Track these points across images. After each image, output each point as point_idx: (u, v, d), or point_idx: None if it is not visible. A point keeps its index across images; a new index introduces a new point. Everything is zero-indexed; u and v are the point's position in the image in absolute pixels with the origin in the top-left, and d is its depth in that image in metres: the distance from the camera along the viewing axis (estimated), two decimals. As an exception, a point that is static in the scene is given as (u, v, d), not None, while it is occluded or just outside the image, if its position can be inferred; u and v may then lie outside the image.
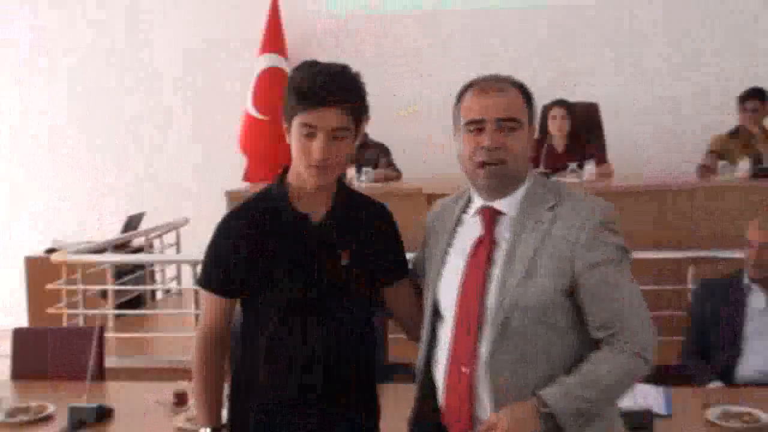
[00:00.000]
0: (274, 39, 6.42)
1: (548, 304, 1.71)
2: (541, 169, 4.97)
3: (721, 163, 5.14)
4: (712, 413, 2.51)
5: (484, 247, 1.79)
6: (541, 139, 5.12)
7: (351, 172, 5.14)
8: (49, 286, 4.68)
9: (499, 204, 1.81)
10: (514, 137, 1.77)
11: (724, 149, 5.30)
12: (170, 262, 6.03)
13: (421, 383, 1.88)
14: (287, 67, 6.16)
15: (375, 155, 5.59)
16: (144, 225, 6.07)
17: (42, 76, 7.04)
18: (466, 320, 1.77)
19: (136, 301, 5.52)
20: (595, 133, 5.57)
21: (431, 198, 4.92)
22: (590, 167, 5.01)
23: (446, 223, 1.91)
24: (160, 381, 3.19)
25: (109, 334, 4.46)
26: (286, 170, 1.94)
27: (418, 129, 6.26)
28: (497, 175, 1.78)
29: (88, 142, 7.00)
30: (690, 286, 4.01)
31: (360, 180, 5.20)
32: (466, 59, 6.24)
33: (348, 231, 1.91)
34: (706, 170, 5.13)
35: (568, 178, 4.81)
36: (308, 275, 1.87)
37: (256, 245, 1.88)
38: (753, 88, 5.34)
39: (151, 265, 5.85)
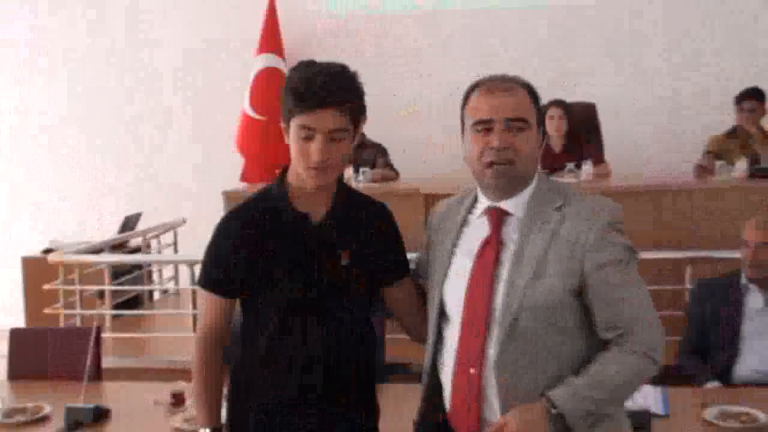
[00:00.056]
0: (271, 39, 6.42)
1: (557, 304, 1.70)
2: (539, 168, 4.97)
3: (718, 163, 5.14)
4: (710, 413, 2.51)
5: (492, 247, 1.78)
6: (538, 139, 5.12)
7: (348, 172, 5.14)
8: (47, 287, 4.67)
9: (506, 204, 1.80)
10: (523, 137, 1.77)
11: (721, 149, 5.30)
12: (167, 262, 6.02)
13: (428, 384, 1.87)
14: (284, 68, 6.16)
15: (372, 155, 5.59)
16: (141, 225, 6.07)
17: (40, 76, 7.04)
18: (474, 321, 1.76)
19: (134, 302, 5.51)
20: (593, 133, 5.57)
21: (429, 198, 4.94)
22: (588, 167, 5.01)
23: (451, 223, 1.90)
24: (157, 381, 3.18)
25: (107, 335, 4.45)
26: (285, 170, 1.93)
27: (417, 129, 6.27)
28: (505, 176, 1.77)
29: (85, 142, 7.00)
30: (688, 286, 4.01)
31: (358, 180, 5.20)
32: (466, 59, 6.25)
33: (348, 230, 1.90)
34: (703, 170, 5.14)
35: (565, 179, 4.81)
36: (308, 275, 1.86)
37: (256, 245, 1.87)
38: (750, 88, 5.34)
39: (149, 265, 5.84)
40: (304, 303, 1.87)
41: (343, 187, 1.95)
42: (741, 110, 5.31)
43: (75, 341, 3.15)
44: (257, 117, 6.23)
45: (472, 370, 1.74)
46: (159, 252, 6.11)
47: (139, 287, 5.52)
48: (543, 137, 1.88)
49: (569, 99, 5.40)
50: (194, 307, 4.44)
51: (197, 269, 4.49)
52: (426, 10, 6.45)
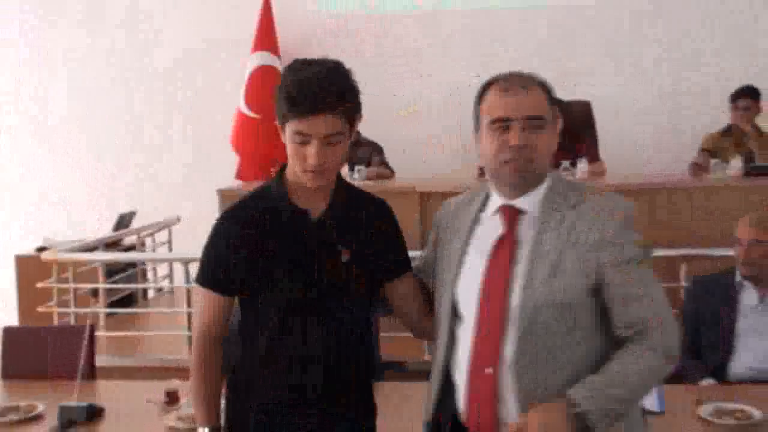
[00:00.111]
0: (266, 37, 6.41)
1: (573, 303, 1.70)
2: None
3: (713, 161, 5.16)
4: (705, 410, 2.51)
5: (507, 245, 1.77)
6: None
7: (344, 170, 5.13)
8: (40, 285, 4.65)
9: (520, 202, 1.80)
10: (540, 136, 1.76)
11: (716, 147, 5.32)
12: (162, 260, 6.00)
13: (441, 385, 1.85)
14: (280, 66, 6.15)
15: (368, 154, 5.58)
16: (136, 223, 6.05)
17: (36, 75, 7.02)
18: (489, 320, 1.74)
19: (128, 300, 5.50)
20: (588, 132, 5.57)
21: (424, 196, 4.94)
22: (583, 165, 5.01)
23: (461, 222, 1.88)
24: (151, 380, 3.17)
25: (101, 333, 4.44)
26: (284, 167, 1.92)
27: (417, 129, 6.28)
28: (523, 174, 1.76)
29: (79, 140, 6.98)
30: (683, 283, 4.01)
31: (353, 178, 5.19)
32: (466, 59, 6.27)
33: (348, 226, 1.89)
34: (698, 168, 5.15)
35: (560, 176, 4.81)
36: (308, 275, 1.85)
37: (255, 242, 1.86)
38: (745, 86, 5.36)
39: (143, 263, 5.83)
40: (304, 303, 1.86)
41: (342, 183, 1.94)
42: (736, 108, 5.33)
43: (68, 340, 3.13)
44: (252, 115, 6.22)
45: (487, 370, 1.72)
46: (153, 250, 6.09)
47: (133, 285, 5.50)
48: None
49: (569, 99, 5.40)
50: (189, 305, 4.43)
51: (192, 267, 4.54)
52: (426, 10, 6.45)
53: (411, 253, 2.03)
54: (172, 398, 2.78)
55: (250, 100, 6.27)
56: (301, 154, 1.78)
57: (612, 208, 1.75)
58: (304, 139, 1.76)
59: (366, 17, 6.50)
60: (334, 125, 1.76)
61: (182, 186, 6.70)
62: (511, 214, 1.80)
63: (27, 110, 7.05)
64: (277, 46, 6.42)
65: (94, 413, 2.66)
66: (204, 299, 1.94)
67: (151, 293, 6.04)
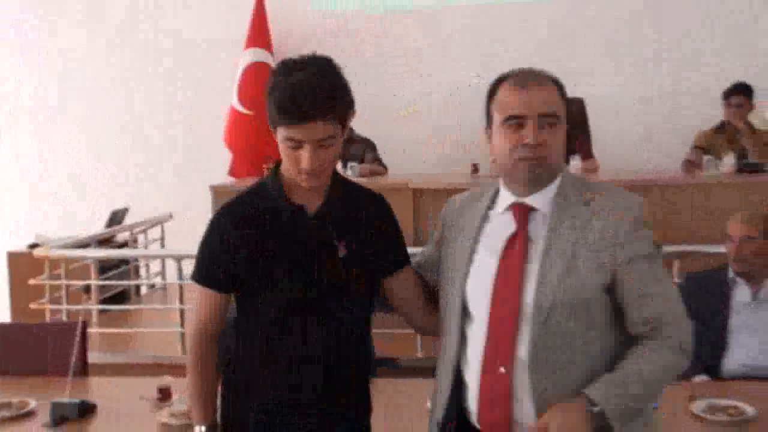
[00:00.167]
0: (259, 33, 6.41)
1: (588, 300, 1.69)
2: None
3: (706, 158, 5.17)
4: (698, 406, 2.51)
5: (519, 243, 1.75)
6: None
7: (337, 167, 5.12)
8: (32, 282, 4.64)
9: (531, 200, 1.78)
10: (554, 133, 1.74)
11: (709, 144, 5.33)
12: (155, 257, 6.00)
13: (452, 384, 1.83)
14: (273, 62, 6.14)
15: (361, 150, 5.58)
16: (128, 220, 6.04)
17: (28, 72, 6.98)
18: (502, 319, 1.72)
19: (121, 297, 5.48)
20: (581, 128, 5.58)
21: (417, 193, 4.95)
22: (576, 162, 5.02)
23: (469, 220, 1.86)
24: (143, 376, 3.17)
25: (93, 330, 4.43)
26: (278, 163, 1.90)
27: (417, 128, 6.28)
28: (538, 171, 1.75)
29: (71, 137, 6.97)
30: (676, 280, 4.02)
31: (346, 175, 5.18)
32: (466, 59, 6.29)
33: (344, 221, 1.88)
34: (691, 165, 5.17)
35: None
36: (308, 275, 1.84)
37: (251, 239, 1.85)
38: (737, 83, 5.37)
39: (135, 260, 5.81)
40: (304, 303, 1.85)
41: (338, 178, 1.93)
42: (728, 105, 5.34)
43: (61, 336, 3.12)
44: (245, 111, 6.22)
45: (501, 369, 1.71)
46: (146, 247, 6.08)
47: (125, 282, 5.49)
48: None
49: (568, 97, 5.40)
50: (181, 302, 4.43)
51: (184, 264, 4.54)
52: (426, 11, 6.44)
53: (408, 250, 2.01)
54: (164, 395, 2.77)
55: (243, 97, 6.27)
56: (294, 158, 1.77)
57: (624, 205, 1.74)
58: (296, 144, 1.75)
59: (366, 17, 6.50)
60: (326, 130, 1.74)
61: (175, 182, 6.69)
62: (523, 212, 1.78)
63: (20, 107, 7.02)
64: (270, 43, 6.41)
65: (86, 410, 2.65)
66: (200, 296, 1.92)
67: (143, 290, 6.02)
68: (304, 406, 1.88)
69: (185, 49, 6.72)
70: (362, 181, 5.10)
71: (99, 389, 2.95)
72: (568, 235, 1.72)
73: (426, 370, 3.81)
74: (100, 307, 4.96)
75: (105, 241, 5.59)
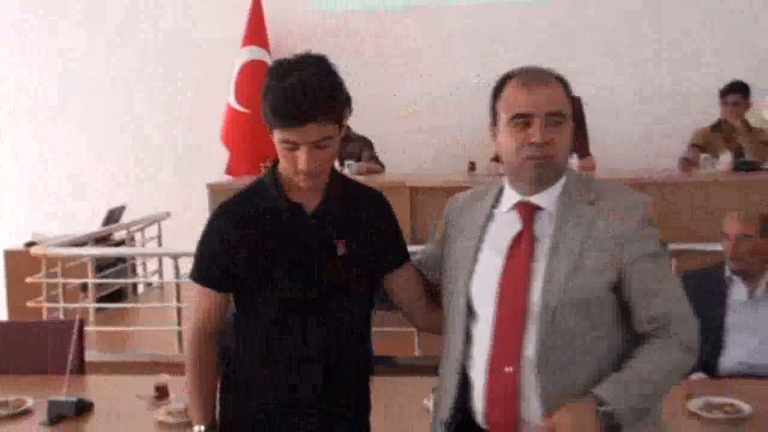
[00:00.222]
0: (256, 32, 6.40)
1: (595, 300, 1.68)
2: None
3: (702, 156, 5.18)
4: (695, 404, 2.52)
5: (525, 242, 1.75)
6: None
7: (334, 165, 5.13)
8: (29, 280, 4.63)
9: (537, 199, 1.78)
10: (561, 132, 1.74)
11: (706, 143, 5.34)
12: (152, 255, 6.00)
13: (459, 383, 1.81)
14: (270, 60, 6.14)
15: (358, 149, 5.58)
16: (125, 218, 6.03)
17: (28, 71, 6.97)
18: (508, 318, 1.72)
19: (117, 295, 5.48)
20: (578, 127, 5.57)
21: (414, 191, 4.95)
22: (573, 160, 5.02)
23: (473, 218, 1.86)
24: (141, 375, 3.16)
25: (90, 328, 4.42)
26: (276, 162, 1.89)
27: (417, 128, 6.29)
28: (545, 170, 1.74)
29: (69, 135, 6.96)
30: (673, 278, 4.02)
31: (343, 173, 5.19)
32: (466, 59, 6.30)
33: (343, 218, 1.87)
34: (688, 163, 5.18)
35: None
36: (308, 275, 1.83)
37: (250, 238, 1.84)
38: (734, 81, 5.38)
39: (133, 258, 5.80)
40: (304, 303, 1.84)
41: (336, 176, 1.92)
42: (725, 104, 5.35)
43: (58, 335, 3.11)
44: (242, 110, 6.21)
45: (508, 369, 1.70)
46: (143, 245, 6.08)
47: (122, 280, 5.48)
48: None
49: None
50: (178, 300, 4.42)
51: (181, 262, 4.53)
52: (426, 11, 6.43)
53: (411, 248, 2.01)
54: (161, 393, 2.77)
55: (239, 95, 6.26)
56: (291, 159, 1.76)
57: (630, 204, 1.74)
58: (292, 146, 1.74)
59: (366, 17, 6.50)
60: (322, 131, 1.73)
61: (172, 181, 6.69)
62: (528, 211, 1.77)
63: (18, 106, 7.01)
64: (267, 41, 6.41)
65: (83, 408, 2.65)
66: (199, 296, 1.92)
67: (140, 288, 6.02)
68: (304, 406, 1.87)
69: (183, 48, 6.71)
70: (359, 179, 5.10)
71: (96, 387, 2.95)
72: (574, 234, 1.71)
73: (423, 368, 3.82)
74: (97, 305, 4.96)
75: (102, 240, 5.58)
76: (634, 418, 1.63)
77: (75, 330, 2.94)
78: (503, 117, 1.77)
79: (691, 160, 5.21)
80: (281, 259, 1.83)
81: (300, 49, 1.82)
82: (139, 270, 6.03)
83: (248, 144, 6.01)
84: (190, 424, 2.02)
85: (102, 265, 5.25)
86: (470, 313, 1.80)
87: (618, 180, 4.77)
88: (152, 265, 6.07)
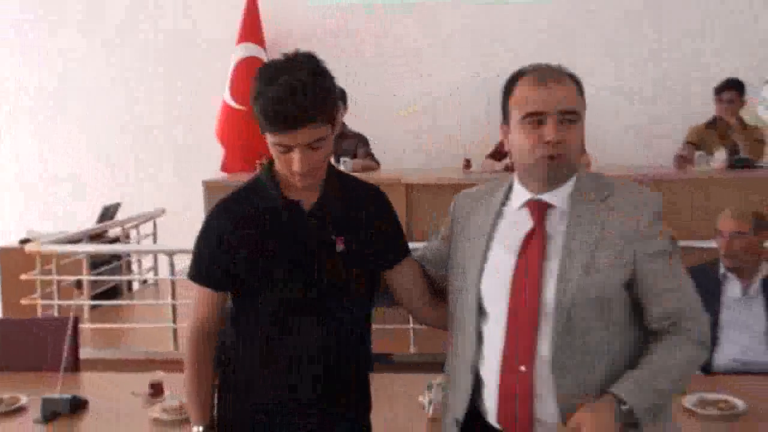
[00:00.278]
0: (251, 29, 6.39)
1: (609, 298, 1.68)
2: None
3: (697, 153, 5.19)
4: (689, 400, 2.52)
5: (538, 240, 1.73)
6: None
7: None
8: (24, 277, 4.62)
9: (548, 196, 1.76)
10: (574, 130, 1.72)
11: (701, 140, 5.35)
12: (147, 252, 5.99)
13: (473, 383, 1.78)
14: (265, 57, 6.13)
15: (353, 145, 5.57)
16: (120, 215, 6.02)
17: (26, 70, 6.96)
18: (521, 317, 1.70)
19: (112, 292, 5.47)
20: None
21: (410, 188, 4.95)
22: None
23: (482, 216, 1.84)
24: (136, 372, 3.16)
25: (85, 325, 4.42)
26: (272, 159, 1.87)
27: (416, 127, 6.30)
28: (559, 169, 1.73)
29: (64, 132, 6.94)
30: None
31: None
32: (466, 59, 6.29)
33: (342, 215, 1.86)
34: (683, 160, 5.19)
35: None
36: (308, 274, 1.82)
37: (249, 237, 1.83)
38: (729, 79, 5.39)
39: (128, 255, 5.80)
40: (304, 303, 1.83)
41: (333, 171, 1.91)
42: (720, 101, 5.36)
43: (52, 332, 3.10)
44: (237, 107, 6.20)
45: (522, 368, 1.69)
46: (138, 242, 6.07)
47: (117, 277, 5.48)
48: None
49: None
50: (174, 297, 4.42)
51: (176, 260, 4.52)
52: (426, 10, 6.42)
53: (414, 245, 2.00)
54: (156, 390, 2.76)
55: (235, 92, 6.25)
56: (285, 160, 1.75)
57: (642, 201, 1.73)
58: (286, 149, 1.73)
59: (366, 16, 6.49)
60: (314, 134, 1.72)
61: (167, 178, 6.67)
62: (540, 209, 1.76)
63: (16, 105, 6.99)
64: (262, 38, 6.40)
65: (77, 405, 2.64)
66: (197, 295, 1.90)
67: (135, 285, 6.01)
68: (304, 406, 1.86)
69: (178, 46, 6.69)
70: (356, 175, 5.11)
71: (91, 385, 2.94)
72: (587, 232, 1.70)
73: (419, 365, 3.83)
74: (92, 302, 4.95)
75: (97, 237, 5.58)
76: (651, 416, 1.63)
77: (70, 327, 2.93)
78: (515, 115, 1.75)
79: (686, 157, 5.22)
80: (281, 258, 1.82)
81: (300, 47, 1.80)
82: (135, 267, 6.03)
83: (244, 141, 6.00)
84: (184, 422, 2.02)
85: (97, 263, 5.24)
86: (480, 311, 1.78)
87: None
88: (147, 262, 6.07)
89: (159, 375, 2.81)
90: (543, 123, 1.70)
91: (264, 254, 1.82)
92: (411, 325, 4.16)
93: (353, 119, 5.57)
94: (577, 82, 1.78)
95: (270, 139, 1.74)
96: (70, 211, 6.54)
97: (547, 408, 1.68)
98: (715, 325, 3.18)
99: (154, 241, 6.14)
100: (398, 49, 6.45)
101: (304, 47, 1.80)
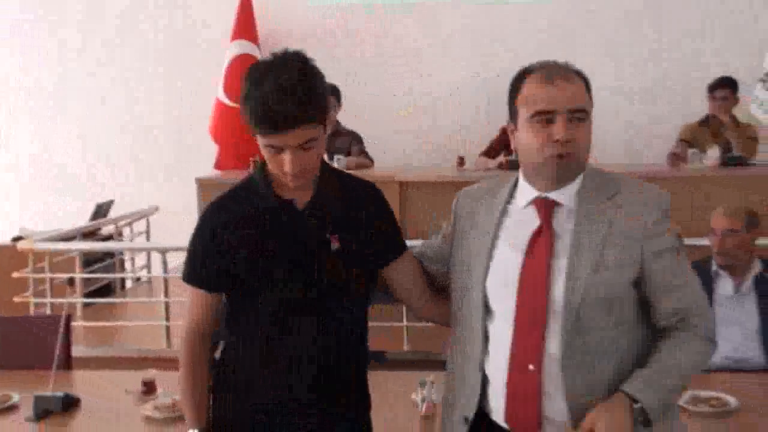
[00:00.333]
0: (245, 26, 6.38)
1: (618, 296, 1.67)
2: (514, 156, 4.98)
3: (690, 151, 5.19)
4: (682, 397, 2.52)
5: (545, 238, 1.71)
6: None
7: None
8: (16, 275, 4.61)
9: (556, 195, 1.74)
10: (583, 128, 1.71)
11: (694, 138, 5.36)
12: (140, 250, 5.97)
13: (482, 381, 1.77)
14: (259, 55, 6.12)
15: (347, 143, 5.56)
16: (113, 213, 6.00)
17: (20, 69, 6.93)
18: (530, 316, 1.69)
19: (105, 290, 5.46)
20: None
21: (404, 186, 4.95)
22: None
23: (486, 214, 1.82)
24: (128, 370, 3.15)
25: (77, 323, 4.41)
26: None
27: (416, 127, 6.30)
28: (568, 168, 1.72)
29: (56, 129, 6.91)
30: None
31: (332, 167, 5.18)
32: (466, 59, 6.29)
33: (336, 213, 1.84)
34: (676, 158, 5.20)
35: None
36: (308, 274, 1.81)
37: (247, 237, 1.81)
38: (723, 77, 5.39)
39: (121, 253, 5.79)
40: (304, 303, 1.82)
41: (327, 168, 1.89)
42: (713, 99, 5.36)
43: (44, 330, 3.10)
44: (231, 104, 6.18)
45: (530, 367, 1.68)
46: (131, 240, 6.05)
47: (110, 275, 5.46)
48: None
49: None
50: (166, 295, 4.41)
51: (170, 257, 4.51)
52: (426, 10, 6.42)
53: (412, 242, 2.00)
54: (149, 388, 2.75)
55: (229, 90, 6.24)
56: (276, 161, 1.73)
57: (649, 198, 1.73)
58: (277, 150, 1.72)
59: (366, 16, 6.48)
60: (305, 135, 1.70)
61: (161, 175, 6.66)
62: (547, 207, 1.74)
63: (8, 101, 6.96)
64: (256, 35, 6.39)
65: (70, 403, 2.63)
66: (191, 297, 1.89)
67: (128, 283, 6.00)
68: (304, 405, 1.85)
69: (171, 41, 6.68)
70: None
71: (83, 383, 2.93)
72: (595, 230, 1.69)
73: (412, 363, 3.83)
74: (85, 300, 4.94)
75: (90, 234, 5.56)
76: (661, 412, 1.63)
77: (62, 325, 2.93)
78: (523, 113, 1.73)
79: (679, 155, 5.22)
80: (281, 258, 1.80)
81: (300, 47, 1.78)
82: (128, 265, 6.02)
83: (237, 138, 5.98)
84: (177, 419, 2.01)
85: (90, 260, 5.23)
86: (486, 309, 1.77)
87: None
88: (140, 259, 6.05)
89: (151, 373, 2.81)
90: (552, 122, 1.68)
91: (264, 254, 1.80)
92: (405, 323, 4.16)
93: (353, 119, 5.57)
94: (584, 80, 1.76)
95: (260, 140, 1.73)
96: (62, 208, 6.52)
97: (556, 406, 1.68)
98: (707, 322, 3.19)
99: (147, 239, 6.13)
100: (398, 49, 6.44)
101: (304, 47, 1.78)
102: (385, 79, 6.36)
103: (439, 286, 1.96)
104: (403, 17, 6.45)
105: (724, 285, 3.22)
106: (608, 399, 1.62)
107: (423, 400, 2.52)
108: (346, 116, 5.55)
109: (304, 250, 1.81)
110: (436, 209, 1.99)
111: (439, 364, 2.74)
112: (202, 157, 6.18)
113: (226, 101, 6.24)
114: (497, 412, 1.75)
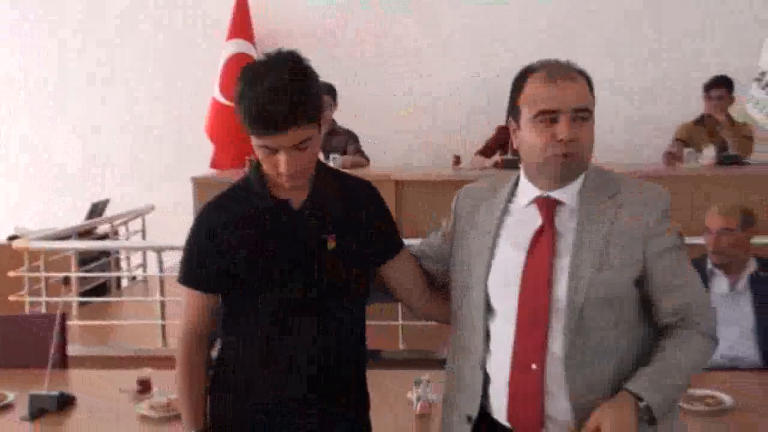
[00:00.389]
0: (241, 25, 6.38)
1: (621, 296, 1.67)
2: (510, 155, 4.99)
3: (686, 150, 5.20)
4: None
5: (547, 237, 1.71)
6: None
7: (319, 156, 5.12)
8: (11, 273, 4.60)
9: (558, 194, 1.73)
10: (586, 128, 1.70)
11: (690, 137, 5.37)
12: (136, 249, 5.97)
13: (484, 381, 1.76)
14: (255, 53, 6.12)
15: (343, 142, 5.57)
16: (109, 212, 6.00)
17: (18, 68, 6.91)
18: (532, 315, 1.68)
19: (101, 289, 5.45)
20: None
21: (399, 185, 4.95)
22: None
23: (487, 212, 1.81)
24: (124, 369, 3.15)
25: (73, 322, 4.40)
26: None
27: (417, 127, 6.30)
28: (571, 168, 1.71)
29: (52, 128, 6.90)
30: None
31: (328, 166, 5.19)
32: (466, 59, 6.29)
33: (332, 212, 1.84)
34: (672, 157, 5.21)
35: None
36: (307, 274, 1.80)
37: (246, 237, 1.80)
38: (718, 76, 5.41)
39: (116, 252, 5.78)
40: (303, 303, 1.81)
41: (322, 167, 1.88)
42: (709, 98, 5.38)
43: (40, 328, 3.09)
44: (227, 103, 6.17)
45: (533, 366, 1.67)
46: (127, 239, 6.04)
47: (106, 274, 5.46)
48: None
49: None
50: (162, 294, 4.41)
51: (165, 256, 4.51)
52: (426, 10, 6.43)
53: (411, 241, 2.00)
54: (144, 387, 2.75)
55: (225, 89, 6.23)
56: (271, 162, 1.73)
57: (651, 198, 1.72)
58: (271, 151, 1.71)
59: (366, 16, 6.49)
60: (300, 135, 1.69)
61: (156, 174, 6.65)
62: (549, 206, 1.73)
63: (6, 101, 6.95)
64: (252, 34, 6.39)
65: (65, 402, 2.63)
66: (187, 298, 1.88)
67: (124, 282, 5.99)
68: (304, 405, 1.85)
69: (168, 40, 6.67)
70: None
71: (78, 382, 2.93)
72: (597, 229, 1.69)
73: (408, 362, 3.83)
74: (80, 299, 4.94)
75: (85, 233, 5.55)
76: (666, 410, 1.63)
77: (57, 324, 2.92)
78: (526, 113, 1.72)
79: (675, 154, 5.23)
80: (280, 258, 1.80)
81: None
82: (123, 264, 6.01)
83: (233, 137, 5.96)
84: (172, 418, 2.00)
85: (85, 259, 5.22)
86: (488, 308, 1.76)
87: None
88: (136, 259, 6.05)
89: (147, 372, 2.80)
90: (555, 121, 1.68)
91: (264, 254, 1.80)
92: (400, 322, 4.16)
93: (353, 119, 5.58)
94: (587, 78, 1.76)
95: (255, 141, 1.72)
96: (58, 207, 6.51)
97: (558, 406, 1.67)
98: (703, 321, 3.20)
99: (143, 238, 6.12)
100: (398, 49, 6.45)
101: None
102: (385, 79, 6.37)
103: (439, 285, 1.95)
104: (403, 17, 6.45)
105: (720, 284, 3.22)
106: (613, 398, 1.62)
107: (418, 399, 2.52)
108: (346, 116, 5.55)
109: (303, 250, 1.81)
110: (433, 208, 1.99)
111: (434, 363, 2.75)
112: (198, 157, 6.18)
113: (222, 100, 6.23)
114: (499, 411, 1.75)
